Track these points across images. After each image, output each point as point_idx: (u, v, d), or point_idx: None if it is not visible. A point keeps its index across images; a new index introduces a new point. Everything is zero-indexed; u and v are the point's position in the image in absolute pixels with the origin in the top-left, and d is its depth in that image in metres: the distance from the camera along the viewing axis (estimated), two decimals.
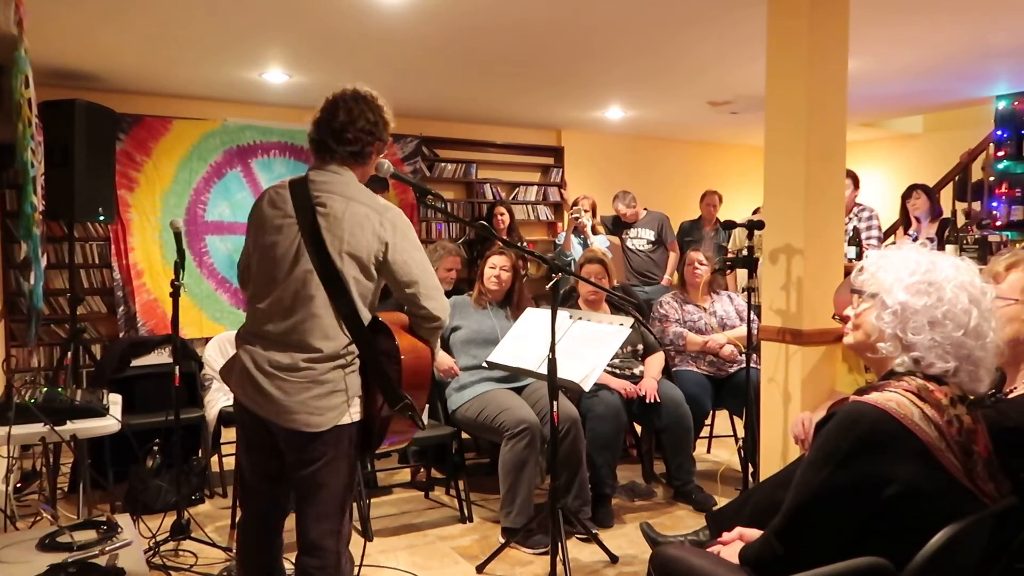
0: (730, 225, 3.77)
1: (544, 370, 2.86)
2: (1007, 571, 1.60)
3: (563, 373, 2.90)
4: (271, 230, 2.13)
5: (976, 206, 6.49)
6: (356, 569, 2.30)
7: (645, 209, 6.59)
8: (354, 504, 3.65)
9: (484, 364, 3.46)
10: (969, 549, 1.49)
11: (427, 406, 3.84)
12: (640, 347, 4.11)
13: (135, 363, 4.27)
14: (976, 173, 6.61)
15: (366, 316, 2.12)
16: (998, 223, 6.03)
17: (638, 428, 4.45)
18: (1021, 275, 1.83)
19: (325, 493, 2.10)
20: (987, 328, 1.52)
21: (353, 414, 2.09)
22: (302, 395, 2.03)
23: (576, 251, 6.13)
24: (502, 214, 6.36)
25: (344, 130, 2.12)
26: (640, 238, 6.50)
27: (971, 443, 1.48)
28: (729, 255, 5.56)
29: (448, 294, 4.46)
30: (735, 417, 4.44)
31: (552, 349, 2.78)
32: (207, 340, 4.70)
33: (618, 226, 6.64)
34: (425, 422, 3.73)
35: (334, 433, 2.07)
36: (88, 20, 4.03)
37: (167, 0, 3.73)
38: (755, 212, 7.07)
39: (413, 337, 2.18)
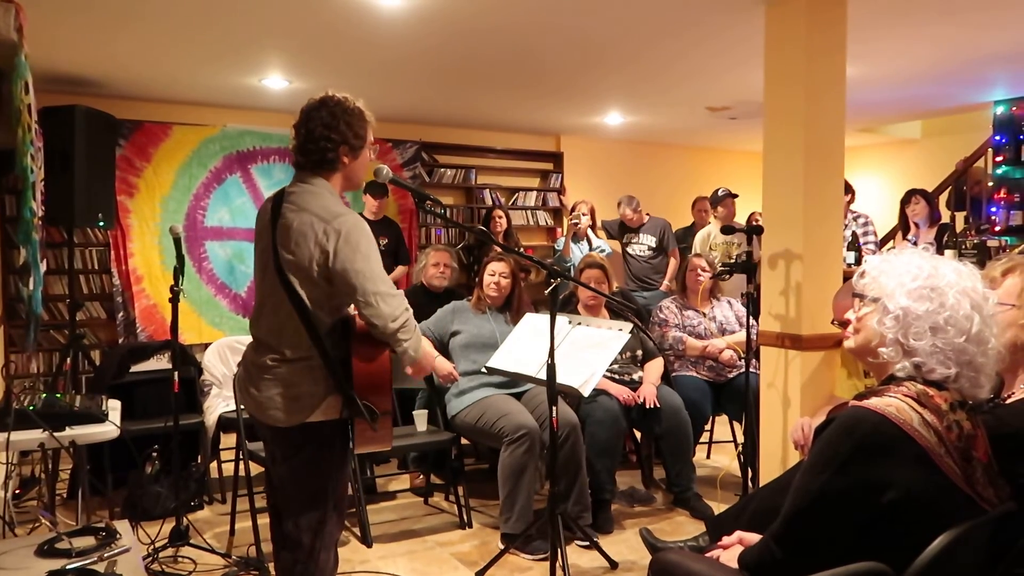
0: (729, 230, 3.77)
1: (543, 376, 2.86)
2: None
3: (562, 379, 2.90)
4: (257, 241, 2.30)
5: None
6: None
7: (648, 215, 6.60)
8: (352, 509, 3.69)
9: (483, 369, 3.46)
10: (968, 554, 1.49)
11: (426, 412, 3.84)
12: (639, 353, 4.11)
13: (134, 369, 4.27)
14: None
15: (325, 322, 2.17)
16: (997, 228, 6.03)
17: (637, 434, 4.44)
18: (1017, 280, 1.83)
19: (298, 488, 2.20)
20: (989, 334, 1.52)
21: (323, 413, 2.17)
22: (271, 391, 2.17)
23: (576, 256, 6.13)
24: (500, 217, 6.37)
25: (306, 142, 2.20)
26: (642, 244, 6.51)
27: (971, 448, 1.48)
28: (727, 260, 5.56)
29: (445, 291, 4.50)
30: (735, 422, 4.44)
31: (551, 354, 2.78)
32: (206, 346, 4.71)
33: (621, 231, 6.65)
34: (421, 428, 3.75)
35: (303, 430, 2.17)
36: (88, 26, 4.04)
37: (167, 6, 3.74)
38: (751, 217, 7.10)
39: (375, 342, 2.20)
